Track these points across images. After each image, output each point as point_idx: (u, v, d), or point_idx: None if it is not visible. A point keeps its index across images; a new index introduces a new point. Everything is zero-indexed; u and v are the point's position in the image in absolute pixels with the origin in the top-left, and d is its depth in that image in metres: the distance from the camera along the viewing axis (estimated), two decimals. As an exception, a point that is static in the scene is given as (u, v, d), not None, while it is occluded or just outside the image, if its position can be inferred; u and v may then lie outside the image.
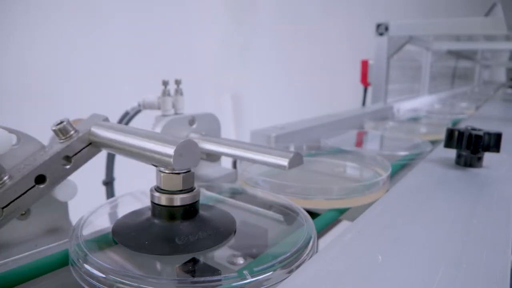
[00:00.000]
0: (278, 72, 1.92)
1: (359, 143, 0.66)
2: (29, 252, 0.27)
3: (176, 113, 0.42)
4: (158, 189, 0.26)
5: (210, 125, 0.44)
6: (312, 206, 0.34)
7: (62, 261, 0.25)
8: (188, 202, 0.25)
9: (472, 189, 0.33)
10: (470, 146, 0.38)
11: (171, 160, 0.24)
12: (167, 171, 0.25)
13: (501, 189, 0.33)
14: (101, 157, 0.59)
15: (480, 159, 0.39)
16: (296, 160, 0.33)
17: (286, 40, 1.98)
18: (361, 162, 0.46)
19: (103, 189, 0.60)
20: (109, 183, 0.59)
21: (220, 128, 0.46)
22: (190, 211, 0.26)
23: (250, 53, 1.79)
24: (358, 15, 2.38)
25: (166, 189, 0.25)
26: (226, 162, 0.48)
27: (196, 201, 0.26)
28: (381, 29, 1.08)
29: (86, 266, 0.21)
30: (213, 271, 0.24)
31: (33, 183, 0.27)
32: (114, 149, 0.29)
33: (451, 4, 3.24)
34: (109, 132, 0.29)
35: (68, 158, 0.29)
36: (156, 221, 0.25)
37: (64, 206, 0.31)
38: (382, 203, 0.29)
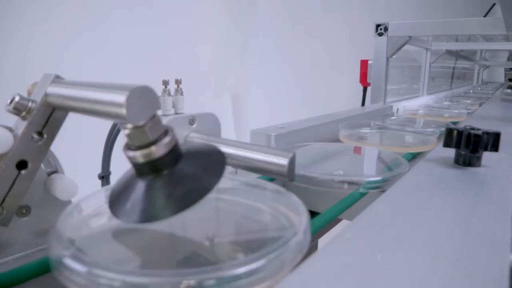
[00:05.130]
0: (278, 72, 1.92)
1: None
2: (30, 251, 0.27)
3: (176, 113, 0.42)
4: (129, 147, 0.23)
5: (210, 125, 0.45)
6: (396, 150, 0.52)
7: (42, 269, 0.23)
8: (165, 150, 0.22)
9: (471, 188, 0.33)
10: (469, 146, 0.38)
11: (124, 110, 0.20)
12: (130, 127, 0.22)
13: (500, 188, 0.33)
14: (98, 150, 0.59)
15: (479, 158, 0.39)
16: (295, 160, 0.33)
17: (286, 40, 1.98)
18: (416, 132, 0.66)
19: (98, 183, 0.59)
20: (105, 177, 0.58)
21: (220, 127, 0.46)
22: (171, 157, 0.23)
23: (250, 53, 1.79)
24: (358, 15, 2.38)
25: (137, 145, 0.22)
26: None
27: (175, 144, 0.23)
28: (381, 29, 1.08)
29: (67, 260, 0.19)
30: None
31: (17, 171, 0.26)
32: (75, 108, 0.25)
33: (450, 4, 3.24)
34: (65, 89, 0.26)
35: (39, 133, 0.27)
36: (146, 182, 0.23)
37: (64, 205, 0.31)
38: (381, 202, 0.29)
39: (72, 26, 1.11)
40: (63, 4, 1.09)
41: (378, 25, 1.08)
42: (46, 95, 0.26)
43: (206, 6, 1.55)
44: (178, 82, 0.42)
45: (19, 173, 0.26)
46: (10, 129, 0.27)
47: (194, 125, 0.43)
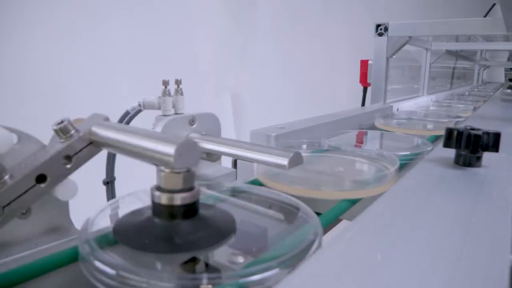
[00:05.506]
0: (278, 72, 1.92)
1: (360, 142, 0.67)
2: (30, 251, 0.27)
3: (176, 113, 0.42)
4: (158, 188, 0.26)
5: (210, 125, 0.45)
6: (323, 196, 0.35)
7: (70, 258, 0.25)
8: (188, 201, 0.25)
9: (472, 188, 0.33)
10: (469, 146, 0.38)
11: (172, 159, 0.24)
12: (167, 170, 0.25)
13: (500, 188, 0.33)
14: (102, 156, 0.59)
15: (479, 158, 0.39)
16: (296, 159, 0.33)
17: (286, 40, 1.98)
18: (369, 158, 0.46)
19: (103, 188, 0.60)
20: (109, 183, 0.59)
21: (220, 127, 0.46)
22: (190, 210, 0.26)
23: (250, 53, 1.79)
24: (358, 15, 2.38)
25: (167, 188, 0.25)
26: (227, 162, 0.48)
27: (196, 200, 0.26)
28: (381, 29, 1.08)
29: (97, 262, 0.21)
30: (213, 270, 0.24)
31: (34, 182, 0.27)
32: (115, 149, 0.29)
33: (450, 4, 3.24)
34: (110, 131, 0.29)
35: (68, 158, 0.29)
36: (156, 220, 0.26)
37: (64, 205, 0.31)
38: (381, 202, 0.29)
39: (72, 26, 1.11)
40: (63, 4, 1.09)
41: (378, 25, 1.09)
42: (90, 132, 0.29)
43: (206, 6, 1.55)
44: (178, 82, 0.42)
45: (34, 185, 0.27)
46: (10, 129, 0.27)
47: (194, 125, 0.43)
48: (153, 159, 0.26)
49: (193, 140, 0.26)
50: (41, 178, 0.27)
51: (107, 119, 0.31)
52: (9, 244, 0.28)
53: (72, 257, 0.25)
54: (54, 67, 1.08)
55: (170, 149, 0.24)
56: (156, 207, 0.26)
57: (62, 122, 0.28)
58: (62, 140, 0.28)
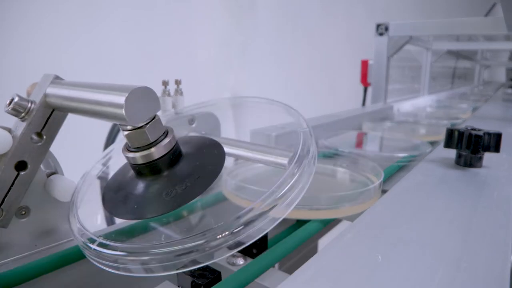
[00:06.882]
0: (278, 72, 1.92)
1: (359, 144, 0.67)
2: (29, 252, 0.27)
3: (176, 113, 0.42)
4: (129, 147, 0.23)
5: (209, 124, 0.45)
6: (294, 216, 0.33)
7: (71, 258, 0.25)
8: (165, 151, 0.22)
9: (472, 189, 0.33)
10: (470, 146, 0.38)
11: (123, 112, 0.20)
12: (129, 128, 0.22)
13: (501, 189, 0.33)
14: (96, 150, 0.59)
15: (480, 159, 0.39)
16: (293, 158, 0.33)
17: (286, 40, 1.98)
18: (354, 167, 0.45)
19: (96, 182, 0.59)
20: (103, 177, 0.58)
21: (220, 127, 0.46)
22: (171, 158, 0.23)
23: (250, 53, 1.79)
24: (358, 15, 2.38)
25: (136, 146, 0.22)
26: (227, 161, 0.48)
27: (173, 147, 0.23)
28: (381, 29, 1.08)
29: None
30: (212, 272, 0.24)
31: (15, 172, 0.26)
32: (75, 109, 0.25)
33: (451, 4, 3.24)
34: (65, 89, 0.25)
35: (38, 134, 0.26)
36: (139, 180, 0.23)
37: (63, 206, 0.31)
38: (382, 203, 0.29)
39: (72, 26, 1.11)
40: (63, 4, 1.09)
41: (378, 25, 1.08)
42: (45, 95, 0.26)
43: (206, 6, 1.55)
44: (178, 82, 0.42)
45: (18, 174, 0.26)
46: (9, 130, 0.26)
47: (194, 125, 0.43)
48: (106, 115, 0.22)
49: (147, 87, 0.21)
50: (21, 166, 0.26)
51: (57, 77, 0.27)
52: (9, 245, 0.28)
53: (74, 257, 0.25)
54: (55, 67, 1.08)
55: (120, 99, 0.20)
56: (135, 168, 0.23)
57: (12, 100, 0.25)
58: (22, 118, 0.26)
